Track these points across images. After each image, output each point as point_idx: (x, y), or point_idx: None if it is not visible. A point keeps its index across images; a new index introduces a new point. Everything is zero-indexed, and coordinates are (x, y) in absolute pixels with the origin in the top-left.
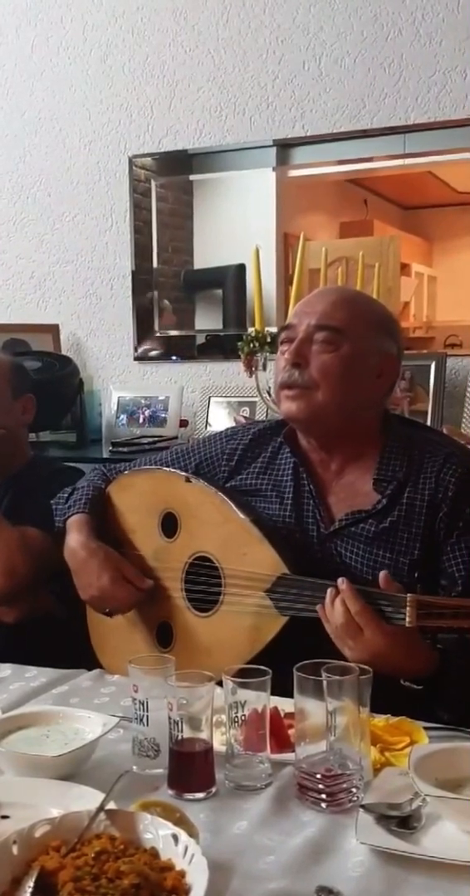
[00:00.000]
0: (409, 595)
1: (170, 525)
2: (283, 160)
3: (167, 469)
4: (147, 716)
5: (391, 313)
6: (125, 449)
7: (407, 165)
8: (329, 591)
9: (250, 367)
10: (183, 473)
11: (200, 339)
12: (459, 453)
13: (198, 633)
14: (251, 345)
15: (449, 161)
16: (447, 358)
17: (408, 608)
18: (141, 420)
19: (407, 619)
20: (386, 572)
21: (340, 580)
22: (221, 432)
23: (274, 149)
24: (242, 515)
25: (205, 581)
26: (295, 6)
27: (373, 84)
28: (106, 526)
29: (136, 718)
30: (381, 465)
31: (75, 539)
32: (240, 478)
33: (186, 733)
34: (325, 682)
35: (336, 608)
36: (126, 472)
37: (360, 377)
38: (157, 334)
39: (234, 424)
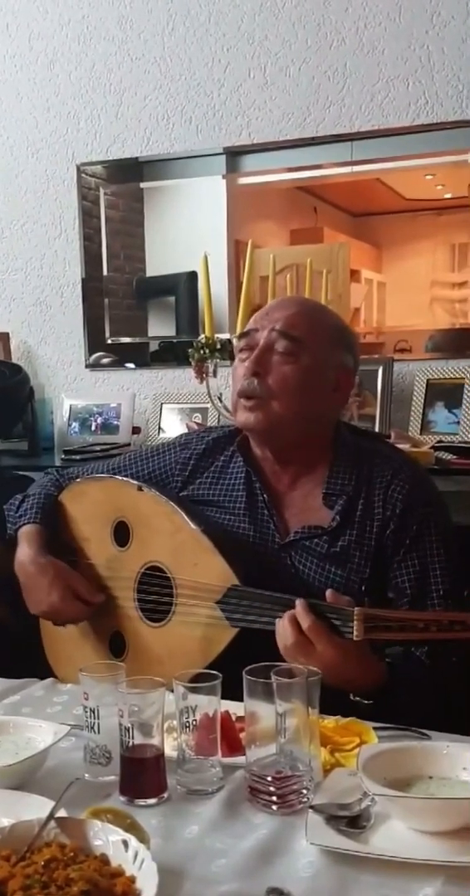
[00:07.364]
0: (356, 608)
1: (122, 534)
2: (232, 168)
3: (120, 478)
4: (98, 723)
5: (349, 326)
6: (78, 457)
7: (355, 173)
8: (288, 613)
9: (201, 374)
10: (135, 482)
11: (154, 346)
12: (407, 468)
13: (150, 644)
14: (201, 351)
15: (396, 168)
16: (394, 363)
17: (355, 621)
18: (93, 427)
19: (354, 633)
20: (332, 591)
21: (297, 600)
22: (175, 441)
23: (224, 156)
24: (193, 525)
25: (157, 591)
26: (240, 15)
27: (318, 92)
28: (58, 534)
29: (88, 726)
30: (330, 478)
31: (25, 553)
32: (192, 487)
33: (137, 739)
34: (274, 685)
35: (285, 628)
36: (78, 479)
37: (317, 390)
38: (109, 341)
39: (186, 430)
